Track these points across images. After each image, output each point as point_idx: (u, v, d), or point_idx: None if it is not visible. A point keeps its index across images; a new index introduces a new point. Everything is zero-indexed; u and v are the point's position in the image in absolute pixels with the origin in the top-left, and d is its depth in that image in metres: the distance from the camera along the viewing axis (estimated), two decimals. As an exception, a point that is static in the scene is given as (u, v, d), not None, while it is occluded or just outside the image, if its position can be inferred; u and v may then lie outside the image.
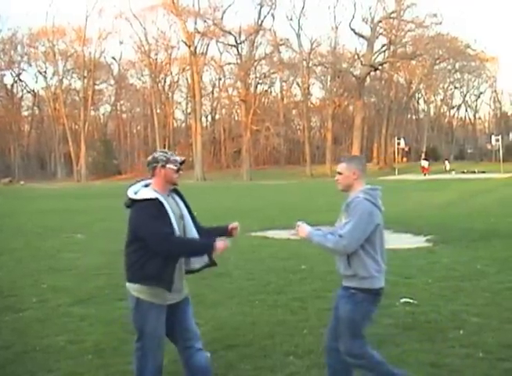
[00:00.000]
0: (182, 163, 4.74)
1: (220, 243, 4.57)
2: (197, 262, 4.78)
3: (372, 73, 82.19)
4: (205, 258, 4.77)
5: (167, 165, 4.64)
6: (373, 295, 4.68)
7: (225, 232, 4.90)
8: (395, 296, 8.13)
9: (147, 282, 4.54)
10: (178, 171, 4.70)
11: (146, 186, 4.71)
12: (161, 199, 4.54)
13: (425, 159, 73.22)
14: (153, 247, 4.47)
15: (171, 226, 4.52)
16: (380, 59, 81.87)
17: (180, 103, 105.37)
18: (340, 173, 4.80)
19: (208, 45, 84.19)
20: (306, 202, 28.09)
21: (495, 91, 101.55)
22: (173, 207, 4.66)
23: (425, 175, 63.98)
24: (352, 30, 78.41)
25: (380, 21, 78.69)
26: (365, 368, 4.80)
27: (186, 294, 4.83)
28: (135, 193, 4.61)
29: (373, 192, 4.69)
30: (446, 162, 73.69)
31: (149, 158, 4.73)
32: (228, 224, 4.92)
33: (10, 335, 6.90)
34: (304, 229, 4.71)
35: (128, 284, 4.68)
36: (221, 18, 79.19)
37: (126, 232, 4.66)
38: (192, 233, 4.74)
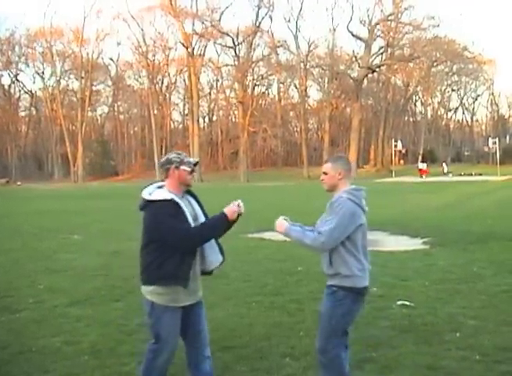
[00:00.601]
0: (195, 164, 4.74)
1: (229, 208, 4.58)
2: (214, 263, 4.77)
3: (369, 75, 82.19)
4: (220, 258, 4.79)
5: (181, 167, 4.64)
6: (355, 294, 4.66)
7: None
8: (392, 298, 8.15)
9: (164, 281, 4.53)
10: (191, 172, 4.71)
11: (160, 187, 4.70)
12: (177, 199, 4.55)
13: (422, 161, 73.28)
14: (175, 245, 4.47)
15: (188, 224, 4.54)
16: (377, 61, 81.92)
17: (177, 105, 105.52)
18: (325, 173, 4.79)
19: (206, 47, 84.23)
20: (303, 204, 28.05)
21: (493, 93, 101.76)
22: (187, 208, 4.65)
23: (422, 177, 64.02)
24: (350, 32, 78.45)
25: (378, 23, 78.66)
26: (328, 371, 4.74)
27: (200, 296, 4.83)
28: (150, 195, 4.61)
29: (357, 192, 4.68)
30: (444, 164, 73.66)
31: (163, 160, 4.73)
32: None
33: (6, 336, 6.89)
34: (281, 223, 4.69)
35: (143, 288, 4.69)
36: (219, 19, 79.18)
37: (141, 234, 4.67)
38: None
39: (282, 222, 4.69)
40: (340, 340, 4.72)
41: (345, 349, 4.85)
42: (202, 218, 4.76)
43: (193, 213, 4.71)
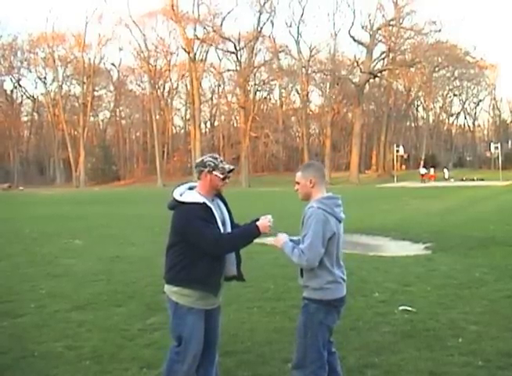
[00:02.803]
0: (230, 171, 4.67)
1: (262, 222, 4.54)
2: (228, 270, 4.74)
3: (371, 80, 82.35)
4: (233, 270, 4.75)
5: (214, 172, 4.59)
6: (326, 306, 4.57)
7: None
8: (394, 304, 8.13)
9: (192, 285, 4.51)
10: (224, 179, 4.65)
11: (191, 188, 4.68)
12: (208, 203, 4.52)
13: (424, 167, 73.23)
14: (205, 249, 4.44)
15: (218, 229, 4.52)
16: (379, 66, 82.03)
17: (179, 110, 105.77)
18: (297, 183, 4.73)
19: (207, 52, 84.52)
20: (304, 209, 28.06)
21: (495, 98, 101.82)
22: (217, 212, 4.63)
23: (423, 181, 64.04)
24: (351, 37, 78.58)
25: (380, 28, 78.83)
26: None
27: (220, 301, 4.84)
28: (181, 195, 4.58)
29: (328, 201, 4.59)
30: (445, 170, 73.53)
31: (198, 161, 4.69)
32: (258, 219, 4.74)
33: (8, 341, 6.87)
34: (280, 239, 4.64)
35: (166, 287, 4.66)
36: (221, 25, 79.35)
37: (168, 233, 4.64)
38: None
39: (281, 238, 4.65)
40: (319, 355, 4.61)
41: (332, 354, 4.82)
42: (229, 224, 4.73)
43: (222, 217, 4.69)
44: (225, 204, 4.83)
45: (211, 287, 4.52)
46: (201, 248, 4.44)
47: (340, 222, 4.64)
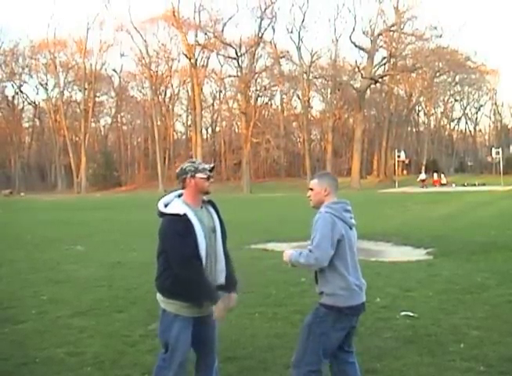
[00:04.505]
0: (211, 170, 4.68)
1: (220, 308, 4.53)
2: (219, 279, 4.71)
3: (372, 85, 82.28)
4: (221, 279, 4.70)
5: (197, 175, 4.59)
6: (336, 313, 4.56)
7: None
8: (396, 309, 8.13)
9: (176, 296, 4.51)
10: (208, 178, 4.64)
11: (180, 195, 4.66)
12: (190, 215, 4.47)
13: (425, 172, 73.01)
14: (172, 266, 4.44)
15: (194, 248, 4.44)
16: (380, 71, 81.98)
17: (180, 115, 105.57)
18: (311, 189, 4.79)
19: (209, 58, 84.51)
20: (306, 215, 28.07)
21: (496, 103, 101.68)
22: (206, 219, 4.61)
23: (423, 187, 64.05)
24: (352, 42, 78.55)
25: (381, 34, 78.83)
26: None
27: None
28: (166, 206, 4.56)
29: (336, 205, 4.64)
30: (442, 175, 72.60)
31: (178, 170, 4.68)
32: (231, 291, 4.77)
33: (9, 347, 6.87)
34: (286, 254, 4.69)
35: (157, 294, 4.68)
36: (222, 30, 79.34)
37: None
38: (221, 250, 4.69)
39: (287, 253, 4.70)
40: (315, 359, 4.61)
41: (350, 364, 4.83)
42: (219, 232, 4.70)
43: (212, 225, 4.66)
44: (217, 212, 4.80)
45: (194, 300, 4.49)
46: (171, 263, 4.46)
47: (350, 227, 4.67)
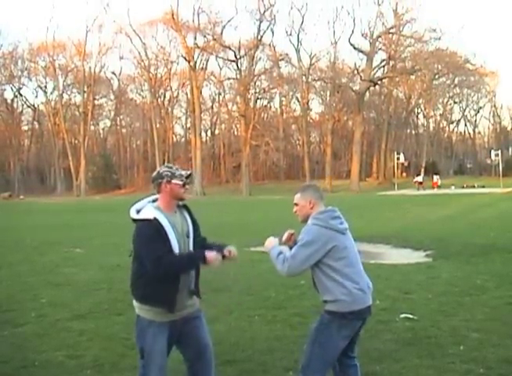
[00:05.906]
0: (187, 177, 4.61)
1: (211, 254, 4.43)
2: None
3: (371, 88, 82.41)
4: (191, 284, 4.66)
5: (173, 180, 4.52)
6: (340, 319, 4.55)
7: (221, 252, 4.63)
8: (395, 311, 8.13)
9: (148, 302, 4.49)
10: (184, 185, 4.58)
11: (154, 201, 4.62)
12: (161, 219, 4.42)
13: (418, 175, 72.81)
14: (148, 268, 4.39)
15: (167, 251, 4.40)
16: (379, 74, 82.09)
17: (180, 118, 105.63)
18: (296, 204, 4.75)
19: (208, 60, 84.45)
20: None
21: (495, 105, 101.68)
22: (179, 224, 4.55)
23: (419, 189, 64.12)
24: (352, 45, 78.65)
25: (380, 36, 78.89)
26: None
27: (196, 309, 4.72)
28: (138, 212, 4.52)
29: (322, 215, 4.59)
30: (437, 177, 72.02)
31: (154, 174, 4.61)
32: (226, 246, 4.69)
33: (9, 350, 6.86)
34: (269, 242, 4.69)
35: (133, 300, 4.65)
36: (221, 33, 79.35)
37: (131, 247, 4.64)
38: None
39: (270, 241, 4.69)
40: (321, 366, 4.60)
41: (352, 367, 4.84)
42: (192, 236, 4.64)
43: (186, 229, 4.61)
44: (191, 216, 4.74)
45: (165, 305, 4.44)
46: (146, 266, 4.41)
47: (343, 233, 4.62)
